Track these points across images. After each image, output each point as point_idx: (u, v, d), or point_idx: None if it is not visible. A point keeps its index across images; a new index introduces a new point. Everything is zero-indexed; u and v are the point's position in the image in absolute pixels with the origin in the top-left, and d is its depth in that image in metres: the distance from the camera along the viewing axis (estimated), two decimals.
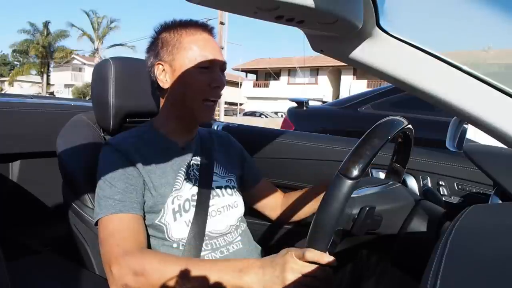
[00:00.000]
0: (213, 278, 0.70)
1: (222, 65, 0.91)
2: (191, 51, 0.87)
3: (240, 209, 1.00)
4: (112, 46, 29.21)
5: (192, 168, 0.94)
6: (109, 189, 0.82)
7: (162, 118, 0.96)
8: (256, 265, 0.69)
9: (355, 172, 0.58)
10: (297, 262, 0.63)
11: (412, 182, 1.18)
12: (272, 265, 0.66)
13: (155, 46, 0.91)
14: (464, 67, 0.66)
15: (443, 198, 1.10)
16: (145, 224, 0.85)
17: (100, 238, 0.80)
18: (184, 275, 0.71)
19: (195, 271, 0.71)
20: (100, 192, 0.83)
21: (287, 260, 0.64)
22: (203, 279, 0.70)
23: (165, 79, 0.90)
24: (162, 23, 0.92)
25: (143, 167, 0.86)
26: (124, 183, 0.83)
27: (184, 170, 0.92)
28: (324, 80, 26.53)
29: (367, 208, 0.65)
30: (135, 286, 0.73)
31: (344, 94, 22.37)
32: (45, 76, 30.25)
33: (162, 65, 0.90)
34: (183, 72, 0.87)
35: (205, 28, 0.92)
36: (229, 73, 25.70)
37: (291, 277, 0.63)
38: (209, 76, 0.88)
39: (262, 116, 21.00)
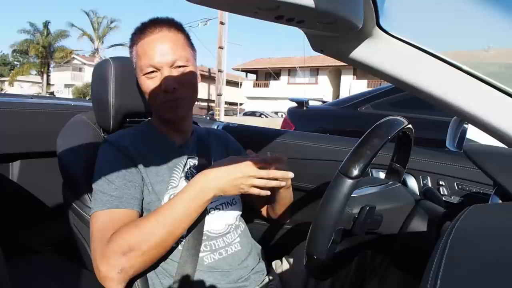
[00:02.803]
0: (181, 207, 0.77)
1: (172, 64, 0.85)
2: (138, 59, 0.88)
3: (238, 206, 1.00)
4: (112, 46, 29.29)
5: (189, 167, 0.94)
6: (107, 185, 0.82)
7: (155, 118, 0.98)
8: (213, 177, 0.77)
9: (355, 172, 0.58)
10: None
11: (412, 182, 1.18)
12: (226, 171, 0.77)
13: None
14: (464, 67, 0.66)
15: (443, 198, 1.10)
16: None
17: (90, 231, 0.80)
18: (161, 224, 0.75)
19: (167, 215, 0.76)
20: (97, 188, 0.83)
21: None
22: (176, 215, 0.76)
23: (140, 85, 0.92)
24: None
25: (140, 164, 0.86)
26: (122, 179, 0.83)
27: (180, 168, 0.92)
28: (324, 80, 26.52)
29: (367, 208, 0.65)
30: (129, 264, 0.74)
31: (344, 94, 22.37)
32: (45, 76, 30.25)
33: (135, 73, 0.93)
34: (139, 81, 0.90)
35: (157, 25, 0.86)
36: (229, 73, 25.67)
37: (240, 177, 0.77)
38: (156, 81, 0.86)
39: (262, 116, 21.00)
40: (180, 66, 0.86)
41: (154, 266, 0.87)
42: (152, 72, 0.85)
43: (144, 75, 0.86)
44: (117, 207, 0.79)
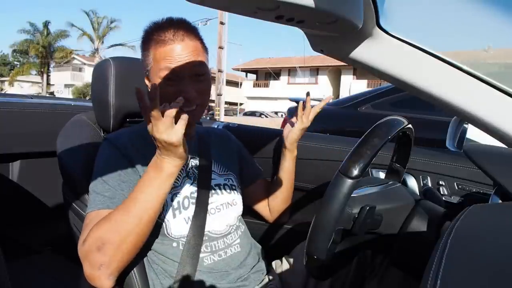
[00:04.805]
0: (143, 191, 0.75)
1: (194, 72, 0.85)
2: (156, 64, 0.84)
3: (239, 207, 1.00)
4: (112, 46, 29.28)
5: (191, 167, 0.94)
6: (101, 185, 0.82)
7: None
8: (163, 156, 0.73)
9: (356, 172, 0.58)
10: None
11: (412, 182, 1.18)
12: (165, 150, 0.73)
13: (141, 53, 0.90)
14: (464, 67, 0.66)
15: (443, 198, 1.10)
16: None
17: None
18: (128, 212, 0.74)
19: (132, 202, 0.74)
20: (92, 188, 0.83)
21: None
22: (142, 201, 0.74)
23: (149, 87, 0.90)
24: (144, 28, 0.89)
25: (139, 163, 0.86)
26: (117, 180, 0.82)
27: (183, 168, 0.92)
28: (324, 80, 26.53)
29: (368, 208, 0.65)
30: (108, 258, 0.73)
31: (344, 94, 22.37)
32: (45, 76, 30.25)
33: (145, 73, 0.90)
34: (154, 82, 0.85)
35: (177, 29, 0.84)
36: (229, 73, 25.68)
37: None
38: (177, 88, 0.83)
39: (262, 116, 21.00)
40: (200, 75, 0.86)
41: (154, 266, 0.87)
42: (173, 79, 0.84)
43: (164, 80, 0.84)
44: (108, 207, 0.79)
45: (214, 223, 0.92)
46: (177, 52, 0.83)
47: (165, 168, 0.74)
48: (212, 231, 0.91)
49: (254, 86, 29.95)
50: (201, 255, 0.88)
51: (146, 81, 0.92)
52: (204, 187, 0.93)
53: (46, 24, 29.23)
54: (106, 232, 0.73)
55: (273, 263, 1.08)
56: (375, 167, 1.25)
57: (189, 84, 0.84)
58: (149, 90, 0.83)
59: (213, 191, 0.95)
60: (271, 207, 1.12)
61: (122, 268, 0.76)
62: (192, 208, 0.89)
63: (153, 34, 0.85)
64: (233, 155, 1.08)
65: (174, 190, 0.88)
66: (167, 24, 0.85)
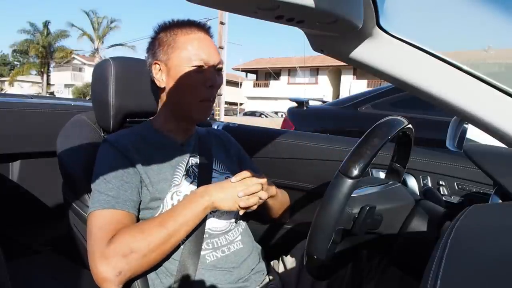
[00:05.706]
0: (183, 214, 0.80)
1: (217, 64, 0.91)
2: (185, 51, 0.88)
3: None
4: (112, 46, 29.28)
5: (191, 165, 0.95)
6: (104, 185, 0.82)
7: (160, 117, 0.97)
8: (212, 188, 0.84)
9: (356, 172, 0.58)
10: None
11: (412, 182, 1.18)
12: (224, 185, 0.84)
13: (153, 46, 0.93)
14: (464, 67, 0.66)
15: (443, 198, 1.10)
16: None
17: (88, 231, 0.79)
18: (164, 228, 0.78)
19: (169, 220, 0.79)
20: (95, 187, 0.83)
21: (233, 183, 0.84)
22: (178, 221, 0.79)
23: (161, 79, 0.92)
24: (160, 23, 0.94)
25: (140, 164, 0.86)
26: (119, 180, 0.83)
27: (183, 167, 0.92)
28: (324, 80, 26.53)
29: (368, 208, 0.65)
30: (129, 267, 0.74)
31: (344, 94, 22.37)
32: (45, 76, 30.25)
33: (159, 64, 0.92)
34: (178, 71, 0.88)
35: (201, 27, 0.92)
36: (229, 73, 25.73)
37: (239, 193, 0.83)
38: (203, 76, 0.88)
39: (262, 116, 21.00)
40: (219, 69, 0.92)
41: (154, 266, 0.87)
42: (200, 67, 0.88)
43: (192, 67, 0.88)
44: (113, 207, 0.79)
45: (214, 220, 0.92)
46: (204, 41, 0.90)
47: (209, 203, 0.82)
48: (212, 228, 0.91)
49: (254, 86, 29.95)
50: (203, 252, 0.88)
51: (156, 72, 0.92)
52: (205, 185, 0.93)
53: (46, 24, 29.25)
54: (137, 241, 0.75)
55: (272, 263, 1.08)
56: (375, 167, 1.25)
57: (215, 74, 0.90)
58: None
59: None
60: (269, 212, 1.12)
61: (133, 277, 0.78)
62: None
63: (176, 26, 0.91)
64: (233, 157, 1.08)
65: (175, 189, 0.88)
66: (188, 21, 0.93)
